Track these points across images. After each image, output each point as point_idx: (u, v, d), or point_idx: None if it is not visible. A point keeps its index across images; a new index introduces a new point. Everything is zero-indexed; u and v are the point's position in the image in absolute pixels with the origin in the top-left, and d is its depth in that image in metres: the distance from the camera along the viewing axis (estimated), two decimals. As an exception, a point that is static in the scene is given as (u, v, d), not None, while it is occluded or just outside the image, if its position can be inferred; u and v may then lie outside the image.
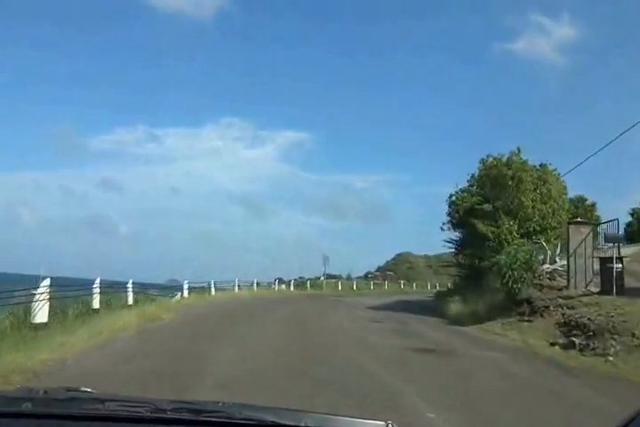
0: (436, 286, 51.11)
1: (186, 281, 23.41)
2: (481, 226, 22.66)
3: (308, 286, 42.77)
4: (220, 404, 1.56)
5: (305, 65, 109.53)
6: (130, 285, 17.48)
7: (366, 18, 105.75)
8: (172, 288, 24.38)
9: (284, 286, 40.71)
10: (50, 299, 10.86)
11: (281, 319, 17.18)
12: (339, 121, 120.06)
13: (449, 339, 13.78)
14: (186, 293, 22.56)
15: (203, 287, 25.54)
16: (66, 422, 1.43)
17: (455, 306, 19.60)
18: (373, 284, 54.42)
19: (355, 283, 51.63)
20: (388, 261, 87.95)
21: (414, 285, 59.57)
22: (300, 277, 74.35)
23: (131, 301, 16.90)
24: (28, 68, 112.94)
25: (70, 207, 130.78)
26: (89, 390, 1.67)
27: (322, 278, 68.67)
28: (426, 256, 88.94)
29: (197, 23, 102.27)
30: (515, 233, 22.21)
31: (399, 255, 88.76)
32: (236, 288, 28.85)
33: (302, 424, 1.43)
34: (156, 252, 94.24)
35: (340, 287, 46.98)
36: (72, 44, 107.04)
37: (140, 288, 19.35)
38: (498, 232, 22.35)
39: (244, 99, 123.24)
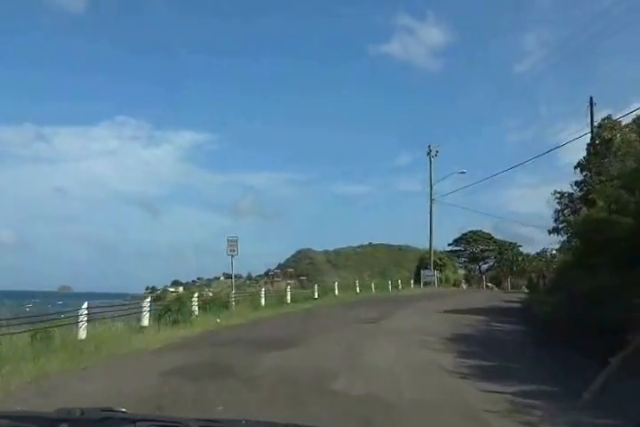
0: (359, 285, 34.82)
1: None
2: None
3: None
4: (244, 422, 1.58)
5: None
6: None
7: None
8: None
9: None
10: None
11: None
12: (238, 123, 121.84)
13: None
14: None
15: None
16: None
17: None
18: (318, 290, 28.91)
19: (288, 293, 25.90)
20: (288, 259, 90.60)
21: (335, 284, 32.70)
22: (199, 278, 74.53)
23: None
24: None
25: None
26: (123, 410, 1.71)
27: (221, 278, 69.67)
28: (326, 251, 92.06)
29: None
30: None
31: (299, 252, 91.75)
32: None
33: None
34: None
35: (262, 301, 22.88)
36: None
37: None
38: None
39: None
